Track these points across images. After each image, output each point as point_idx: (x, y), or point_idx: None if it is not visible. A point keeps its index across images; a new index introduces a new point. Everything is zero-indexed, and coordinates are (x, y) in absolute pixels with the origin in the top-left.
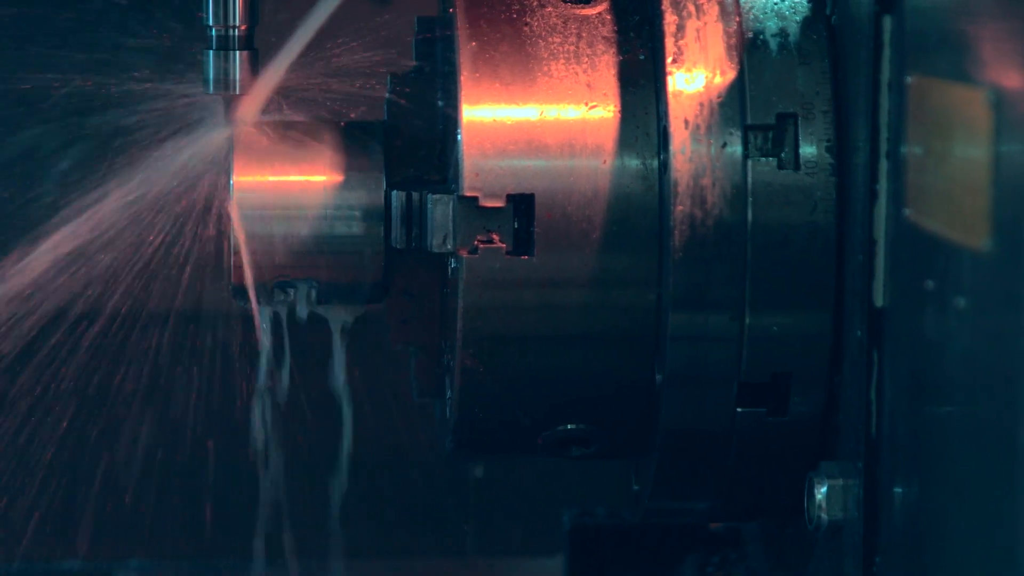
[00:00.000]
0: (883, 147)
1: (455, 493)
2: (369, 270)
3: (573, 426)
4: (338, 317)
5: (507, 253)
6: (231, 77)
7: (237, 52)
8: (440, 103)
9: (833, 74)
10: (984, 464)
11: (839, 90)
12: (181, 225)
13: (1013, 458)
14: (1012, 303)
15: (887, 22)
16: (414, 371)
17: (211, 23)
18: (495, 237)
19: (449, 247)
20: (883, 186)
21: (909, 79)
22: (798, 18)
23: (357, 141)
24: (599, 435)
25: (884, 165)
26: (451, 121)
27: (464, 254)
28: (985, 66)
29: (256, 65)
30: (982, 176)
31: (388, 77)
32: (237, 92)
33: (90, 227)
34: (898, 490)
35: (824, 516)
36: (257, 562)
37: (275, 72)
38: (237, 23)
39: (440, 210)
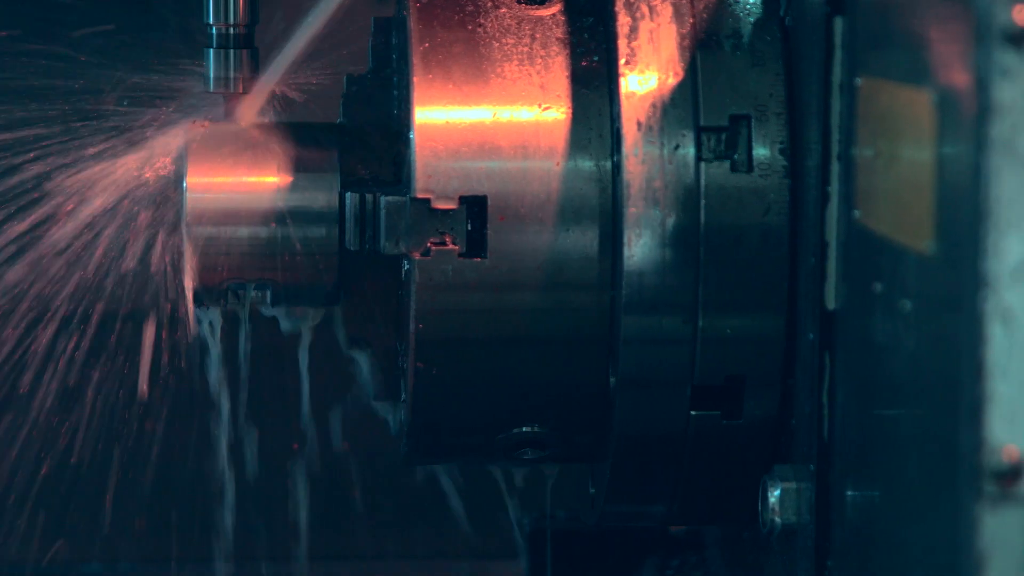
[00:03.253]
0: (835, 149)
1: (413, 495)
2: (324, 272)
3: (528, 429)
4: (293, 319)
5: (460, 255)
6: (231, 75)
7: (237, 51)
8: (395, 104)
9: (787, 75)
10: (929, 467)
11: (793, 91)
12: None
13: (954, 460)
14: (954, 306)
15: (838, 23)
16: (370, 374)
17: (211, 21)
18: (448, 239)
19: (402, 249)
20: (835, 188)
21: (859, 81)
22: (752, 19)
23: (312, 142)
24: (554, 438)
25: (836, 167)
26: (405, 122)
27: (416, 256)
28: (931, 68)
29: (257, 64)
30: (927, 178)
31: (344, 78)
32: (238, 91)
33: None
34: (850, 493)
35: (778, 520)
36: (220, 565)
37: (276, 71)
38: (237, 21)
39: (393, 212)
